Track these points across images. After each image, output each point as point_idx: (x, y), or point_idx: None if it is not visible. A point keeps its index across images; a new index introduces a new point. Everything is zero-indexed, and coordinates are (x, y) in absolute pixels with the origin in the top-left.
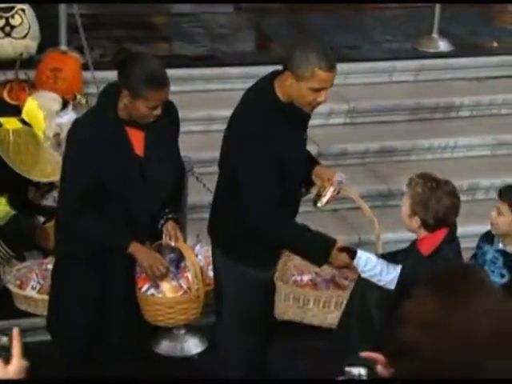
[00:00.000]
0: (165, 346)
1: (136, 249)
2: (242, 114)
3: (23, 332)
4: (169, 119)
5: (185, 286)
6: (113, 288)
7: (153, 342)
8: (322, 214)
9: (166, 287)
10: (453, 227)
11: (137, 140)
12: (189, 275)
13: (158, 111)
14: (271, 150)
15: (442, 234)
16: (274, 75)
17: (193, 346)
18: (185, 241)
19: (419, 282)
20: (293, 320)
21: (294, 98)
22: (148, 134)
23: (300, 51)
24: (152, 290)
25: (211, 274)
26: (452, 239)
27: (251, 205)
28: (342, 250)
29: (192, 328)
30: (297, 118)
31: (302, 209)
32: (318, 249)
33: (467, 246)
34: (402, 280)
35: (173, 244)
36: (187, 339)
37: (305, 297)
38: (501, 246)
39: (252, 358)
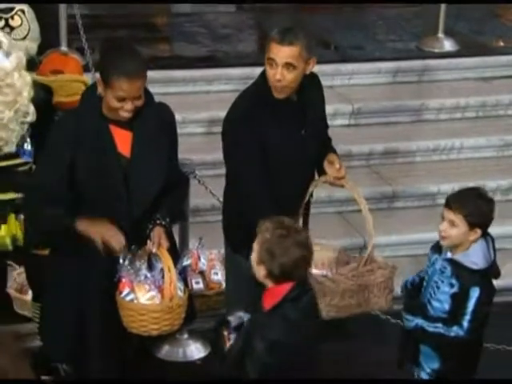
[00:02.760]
0: (166, 351)
1: (83, 225)
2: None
3: (23, 337)
4: (161, 121)
5: (164, 296)
6: (92, 292)
7: (154, 346)
8: (327, 217)
9: (142, 293)
10: (301, 283)
11: (123, 139)
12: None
13: (128, 105)
14: (249, 131)
15: (286, 287)
16: None
17: (195, 350)
18: (169, 249)
19: (256, 336)
20: None
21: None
22: (136, 134)
23: None
24: (132, 295)
25: (215, 277)
26: (297, 297)
27: (233, 183)
28: None
29: (195, 332)
30: (282, 107)
31: None
32: None
33: None
34: (244, 331)
35: (153, 250)
36: (190, 344)
37: None
38: (449, 254)
39: None
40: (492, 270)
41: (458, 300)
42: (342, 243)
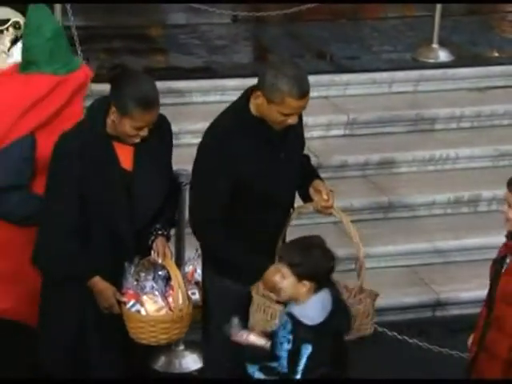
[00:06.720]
0: (163, 363)
1: (95, 284)
2: (211, 123)
3: None
4: (160, 134)
5: (170, 305)
6: (91, 308)
7: (150, 358)
8: (322, 227)
9: (150, 305)
10: None
11: (125, 154)
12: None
13: (143, 132)
14: (224, 161)
15: None
16: (253, 89)
17: (191, 362)
18: (175, 258)
19: None
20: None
21: (264, 116)
22: (137, 149)
23: (273, 75)
24: (137, 307)
25: None
26: None
27: (192, 210)
28: None
29: (191, 344)
30: (265, 133)
31: (300, 222)
32: (248, 268)
33: (469, 258)
34: None
35: (159, 261)
36: (186, 355)
37: (273, 311)
38: (293, 307)
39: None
40: (333, 325)
41: (292, 358)
42: (339, 253)
